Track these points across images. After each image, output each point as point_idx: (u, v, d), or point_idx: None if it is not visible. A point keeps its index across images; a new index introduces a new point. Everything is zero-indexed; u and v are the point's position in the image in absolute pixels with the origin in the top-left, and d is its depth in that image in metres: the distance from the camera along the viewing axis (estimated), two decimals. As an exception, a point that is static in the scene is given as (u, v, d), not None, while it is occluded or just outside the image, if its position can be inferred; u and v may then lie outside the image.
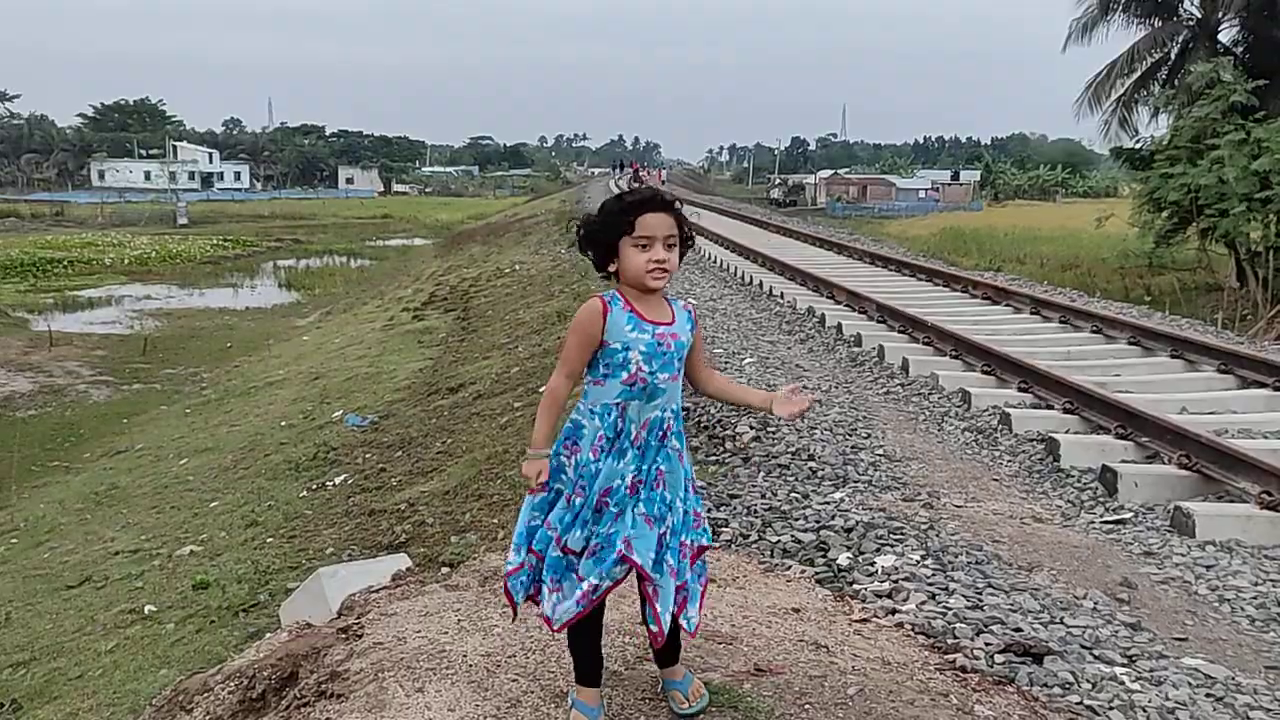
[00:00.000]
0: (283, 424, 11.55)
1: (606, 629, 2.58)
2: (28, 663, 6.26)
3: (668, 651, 2.49)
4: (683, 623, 2.39)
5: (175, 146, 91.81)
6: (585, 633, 2.40)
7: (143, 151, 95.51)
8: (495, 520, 6.27)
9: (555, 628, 2.33)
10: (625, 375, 2.36)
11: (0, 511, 10.54)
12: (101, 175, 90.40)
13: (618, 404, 2.37)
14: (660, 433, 2.39)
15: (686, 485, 2.43)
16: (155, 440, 12.75)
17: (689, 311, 2.50)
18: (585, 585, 2.29)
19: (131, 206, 59.88)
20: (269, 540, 7.43)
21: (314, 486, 8.55)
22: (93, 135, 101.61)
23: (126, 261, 35.43)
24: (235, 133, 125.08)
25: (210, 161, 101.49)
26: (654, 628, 2.33)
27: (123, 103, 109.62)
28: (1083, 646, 3.44)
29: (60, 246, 37.55)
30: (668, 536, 2.35)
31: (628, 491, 2.32)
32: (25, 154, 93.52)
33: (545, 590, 2.34)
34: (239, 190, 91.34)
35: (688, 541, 2.40)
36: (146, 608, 6.69)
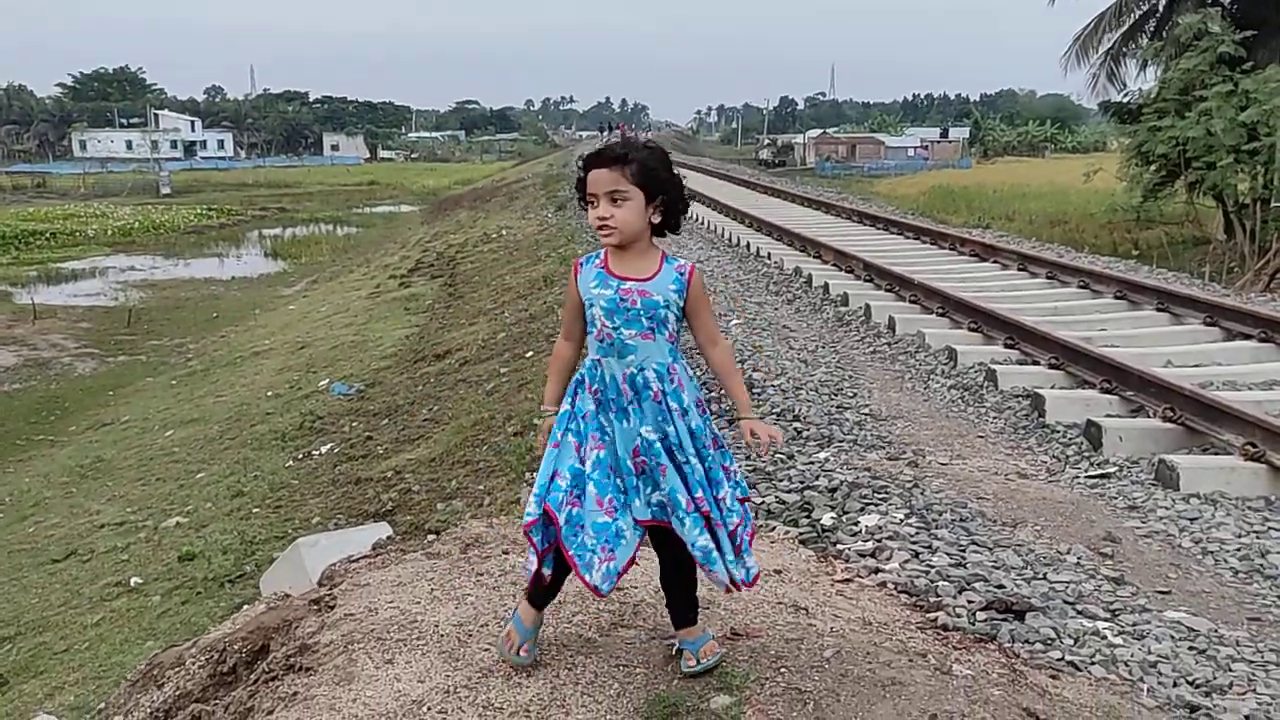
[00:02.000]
0: (269, 394, 11.49)
1: (581, 596, 2.56)
2: (13, 638, 6.23)
3: (685, 609, 2.49)
4: (739, 573, 2.38)
5: (157, 115, 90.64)
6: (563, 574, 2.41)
7: (124, 121, 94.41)
8: (481, 487, 6.24)
9: (606, 592, 2.34)
10: (595, 331, 2.39)
11: (-14, 486, 10.48)
12: (83, 145, 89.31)
13: (597, 360, 2.40)
14: (649, 391, 2.35)
15: (698, 444, 2.38)
16: (141, 412, 12.67)
17: (681, 273, 2.41)
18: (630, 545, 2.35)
19: (114, 177, 59.25)
20: (255, 511, 7.40)
21: (300, 456, 8.51)
22: (73, 105, 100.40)
23: (110, 233, 35.09)
24: (217, 100, 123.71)
25: (192, 130, 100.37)
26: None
27: (102, 71, 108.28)
28: (1065, 602, 3.43)
29: (42, 218, 37.18)
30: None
31: (659, 447, 2.33)
32: (4, 125, 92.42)
33: (596, 560, 2.31)
34: (222, 159, 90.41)
35: (710, 495, 2.37)
36: (132, 580, 6.66)
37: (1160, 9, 25.50)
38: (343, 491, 7.30)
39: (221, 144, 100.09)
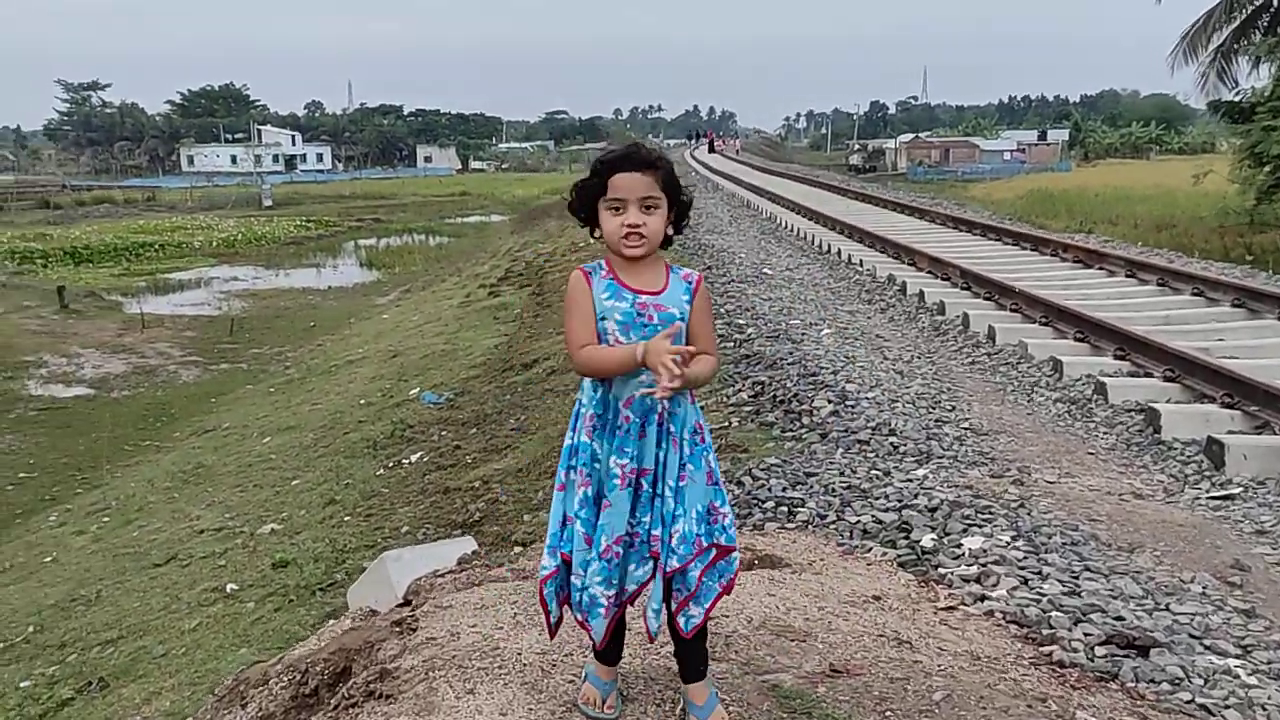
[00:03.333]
0: (362, 402, 11.67)
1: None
2: (115, 640, 6.39)
3: (687, 660, 2.28)
4: (679, 620, 2.19)
5: (259, 130, 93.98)
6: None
7: (228, 136, 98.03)
8: (568, 498, 6.18)
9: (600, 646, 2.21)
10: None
11: (94, 490, 10.87)
12: (190, 160, 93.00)
13: (605, 380, 2.19)
14: (654, 415, 2.17)
15: (687, 474, 2.19)
16: (241, 419, 13.01)
17: (689, 283, 2.24)
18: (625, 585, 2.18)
19: (219, 190, 61.48)
20: (346, 519, 7.47)
21: (390, 464, 8.59)
22: (181, 121, 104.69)
23: (214, 244, 36.39)
24: (316, 115, 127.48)
25: (293, 144, 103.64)
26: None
27: (208, 89, 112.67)
28: (1191, 636, 3.18)
29: (152, 231, 38.75)
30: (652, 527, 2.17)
31: (629, 478, 2.14)
32: (118, 141, 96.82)
33: (599, 610, 2.17)
34: (321, 171, 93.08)
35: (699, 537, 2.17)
36: (228, 586, 6.78)
37: (1275, 4, 24.36)
38: (431, 501, 7.31)
39: (320, 157, 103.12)
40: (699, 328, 2.24)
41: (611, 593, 2.16)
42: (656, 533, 2.15)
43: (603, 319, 2.18)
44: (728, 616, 2.63)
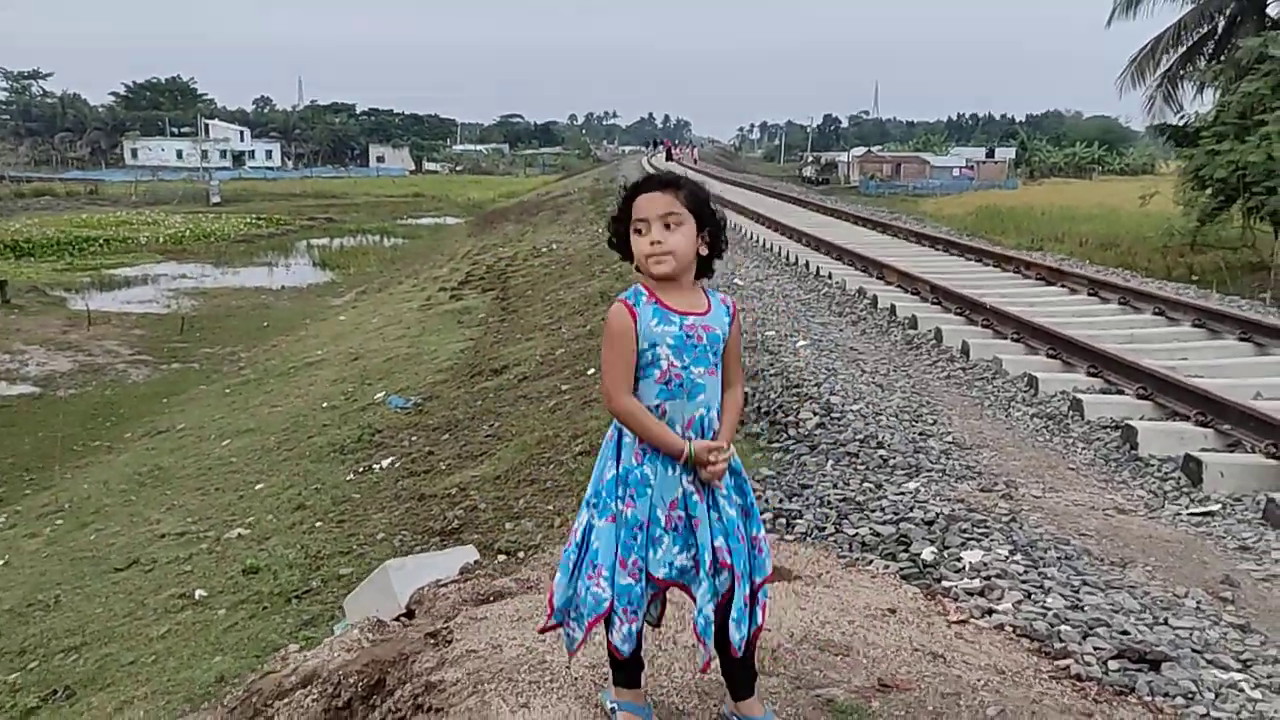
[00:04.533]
0: (324, 405, 11.48)
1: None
2: (79, 647, 6.20)
3: (738, 676, 2.27)
4: (735, 633, 2.18)
5: (207, 125, 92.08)
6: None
7: (174, 130, 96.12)
8: (550, 507, 6.13)
9: (622, 655, 2.17)
10: (658, 373, 2.18)
11: (45, 492, 10.55)
12: (134, 154, 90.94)
13: (657, 405, 2.18)
14: (710, 435, 2.20)
15: (739, 479, 2.26)
16: (196, 420, 12.73)
17: (727, 306, 2.30)
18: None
19: (165, 185, 60.17)
20: (318, 524, 7.33)
21: (360, 469, 8.45)
22: (125, 114, 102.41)
23: (161, 240, 35.61)
24: (266, 111, 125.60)
25: (241, 140, 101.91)
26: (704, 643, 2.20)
27: (155, 81, 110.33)
28: (1194, 651, 3.24)
29: (95, 225, 37.82)
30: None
31: (696, 499, 2.16)
32: (59, 133, 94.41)
33: (615, 620, 2.15)
34: (270, 169, 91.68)
35: (738, 544, 2.20)
36: (197, 592, 6.61)
37: (1220, 31, 25.13)
38: (406, 507, 7.21)
39: (269, 154, 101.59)
40: (731, 354, 2.30)
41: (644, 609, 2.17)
42: (720, 543, 2.16)
43: (654, 345, 2.17)
44: (769, 631, 2.63)
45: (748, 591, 2.19)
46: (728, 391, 2.29)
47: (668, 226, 2.18)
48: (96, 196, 54.47)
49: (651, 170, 2.30)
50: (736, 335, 2.30)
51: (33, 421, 13.65)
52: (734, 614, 2.17)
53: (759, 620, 2.23)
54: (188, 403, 14.32)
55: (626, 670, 2.26)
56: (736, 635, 2.17)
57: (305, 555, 6.71)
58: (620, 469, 2.19)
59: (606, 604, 2.15)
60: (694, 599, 2.17)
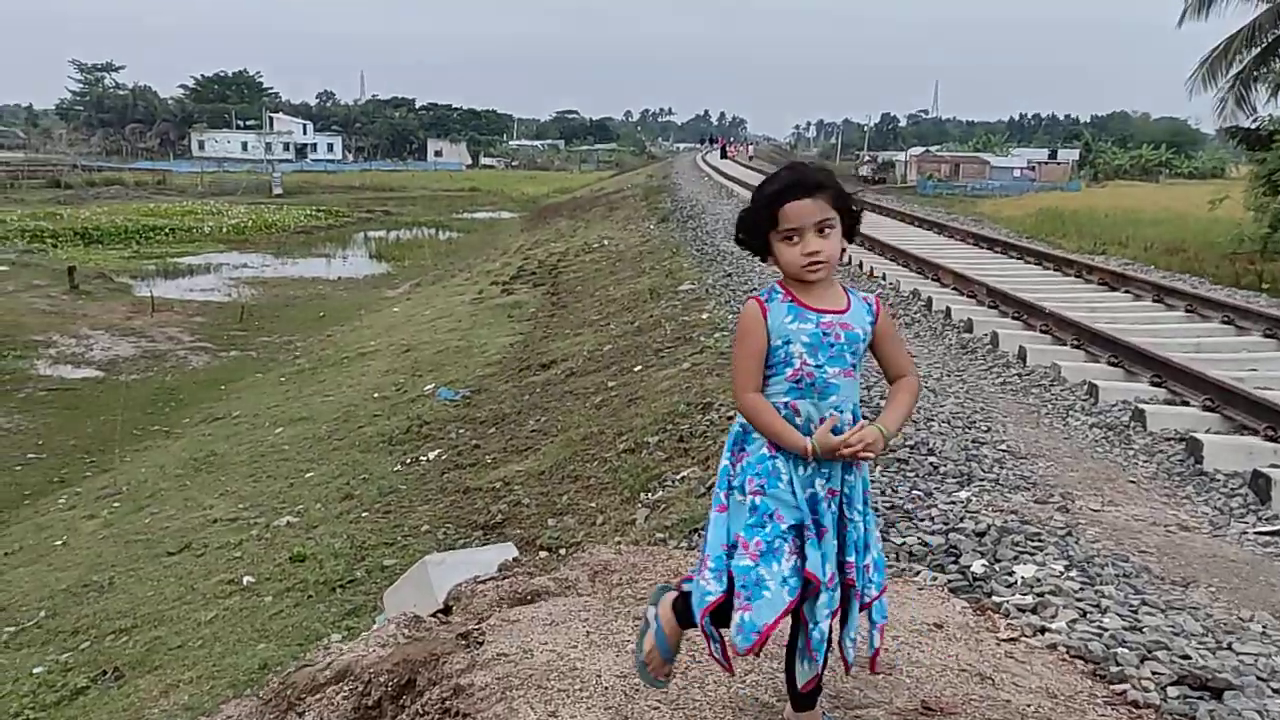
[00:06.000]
0: (375, 395, 11.59)
1: (767, 655, 2.34)
2: (129, 630, 6.31)
3: (801, 690, 2.21)
4: (849, 650, 2.15)
5: (271, 118, 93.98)
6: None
7: (240, 122, 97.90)
8: (593, 504, 6.10)
9: (743, 650, 2.07)
10: (790, 371, 2.12)
11: (105, 474, 10.79)
12: (201, 145, 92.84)
13: (787, 403, 2.12)
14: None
15: (866, 501, 2.17)
16: (251, 408, 12.93)
17: (869, 304, 2.20)
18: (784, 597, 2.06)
19: (229, 176, 61.38)
20: (364, 514, 7.39)
21: (408, 461, 8.51)
22: (193, 106, 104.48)
23: (224, 230, 36.29)
24: (328, 105, 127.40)
25: (304, 133, 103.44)
26: (812, 656, 2.11)
27: (222, 74, 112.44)
28: (1259, 679, 3.09)
29: (162, 214, 38.67)
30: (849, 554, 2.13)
31: (825, 506, 2.10)
32: (130, 124, 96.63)
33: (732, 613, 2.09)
34: (331, 161, 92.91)
35: (860, 561, 2.14)
36: (245, 579, 6.70)
37: (1296, 33, 24.31)
38: (451, 500, 7.24)
39: (331, 147, 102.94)
40: (890, 349, 2.24)
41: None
42: (851, 559, 2.12)
43: (787, 343, 2.12)
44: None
45: (866, 601, 2.16)
46: (900, 380, 2.25)
47: (821, 232, 2.13)
48: (164, 186, 55.66)
49: (785, 170, 2.15)
50: (888, 332, 2.23)
51: (96, 405, 13.98)
52: (849, 631, 2.16)
53: (876, 643, 2.21)
54: (244, 390, 14.57)
55: (702, 611, 2.15)
56: (851, 653, 2.16)
57: (351, 545, 6.76)
58: (754, 456, 2.14)
59: (712, 599, 2.11)
60: (803, 613, 2.12)
